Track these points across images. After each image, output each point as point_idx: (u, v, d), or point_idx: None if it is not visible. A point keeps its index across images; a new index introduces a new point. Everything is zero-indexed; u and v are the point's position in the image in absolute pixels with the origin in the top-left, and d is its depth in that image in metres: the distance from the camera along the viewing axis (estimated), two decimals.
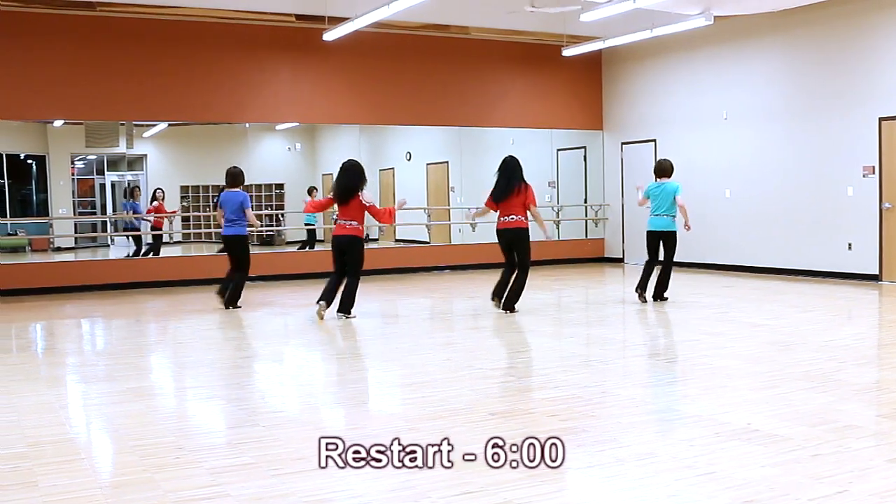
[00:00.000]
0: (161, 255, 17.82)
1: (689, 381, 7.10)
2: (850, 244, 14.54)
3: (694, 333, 9.69)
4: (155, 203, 18.47)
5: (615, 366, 8.10)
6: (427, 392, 6.93)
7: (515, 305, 11.29)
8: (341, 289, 11.09)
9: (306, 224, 19.80)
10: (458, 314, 12.14)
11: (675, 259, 12.20)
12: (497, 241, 11.34)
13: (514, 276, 11.24)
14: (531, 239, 11.30)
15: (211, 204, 21.72)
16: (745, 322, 10.48)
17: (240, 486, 4.54)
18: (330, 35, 14.74)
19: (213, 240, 20.21)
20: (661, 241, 12.10)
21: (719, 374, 7.36)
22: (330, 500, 4.37)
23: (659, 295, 12.25)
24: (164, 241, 18.49)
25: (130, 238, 18.28)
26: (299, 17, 15.38)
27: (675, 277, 15.79)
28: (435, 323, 11.69)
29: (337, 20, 14.48)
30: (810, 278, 14.96)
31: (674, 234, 12.09)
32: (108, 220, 23.35)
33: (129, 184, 23.11)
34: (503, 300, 11.31)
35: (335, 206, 11.29)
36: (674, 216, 12.04)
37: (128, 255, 18.34)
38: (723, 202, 16.76)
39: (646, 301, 12.08)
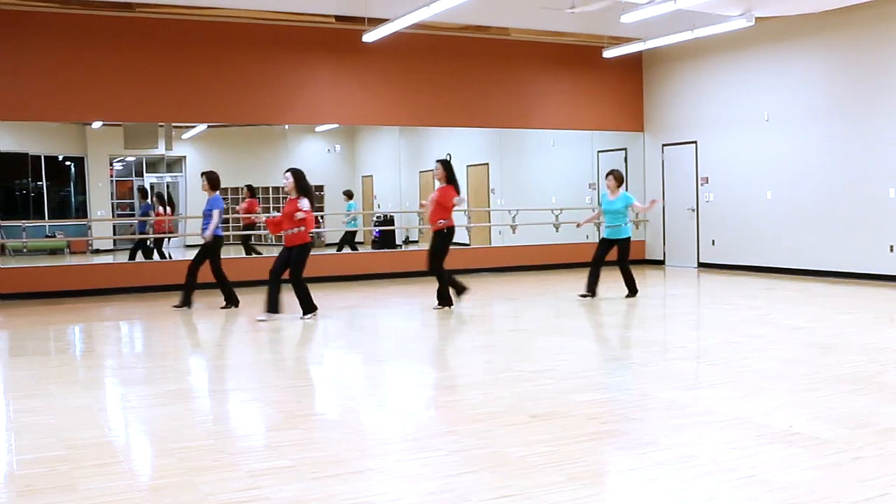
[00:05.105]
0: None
1: (729, 384, 7.03)
2: (891, 246, 14.37)
3: (734, 335, 9.61)
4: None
5: (655, 368, 8.05)
6: (467, 394, 6.92)
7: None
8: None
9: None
10: (499, 316, 12.10)
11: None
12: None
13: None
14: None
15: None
16: (786, 324, 10.38)
17: (279, 490, 4.54)
18: (370, 36, 14.77)
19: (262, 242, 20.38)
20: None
21: (760, 376, 7.30)
22: (370, 503, 4.36)
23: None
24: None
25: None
26: (339, 18, 15.40)
27: (715, 279, 15.81)
28: (475, 325, 11.67)
29: (377, 21, 14.52)
30: (851, 280, 14.80)
31: None
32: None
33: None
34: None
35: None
36: None
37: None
38: (764, 204, 16.62)
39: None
